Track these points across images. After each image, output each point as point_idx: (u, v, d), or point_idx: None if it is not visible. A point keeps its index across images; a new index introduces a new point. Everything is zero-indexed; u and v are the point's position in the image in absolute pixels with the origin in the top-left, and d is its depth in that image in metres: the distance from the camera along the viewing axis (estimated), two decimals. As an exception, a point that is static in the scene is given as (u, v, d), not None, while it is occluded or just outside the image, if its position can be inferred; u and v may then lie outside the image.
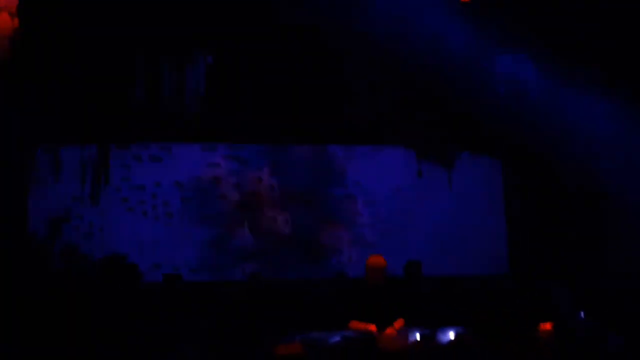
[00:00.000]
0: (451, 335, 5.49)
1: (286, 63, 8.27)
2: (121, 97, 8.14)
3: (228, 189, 8.71)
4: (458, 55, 7.03)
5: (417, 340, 5.51)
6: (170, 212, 8.51)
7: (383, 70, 8.20)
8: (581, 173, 8.69)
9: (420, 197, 9.12)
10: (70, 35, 7.70)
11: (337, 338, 5.32)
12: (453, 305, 6.86)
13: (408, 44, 7.23)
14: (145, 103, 7.78)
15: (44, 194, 8.26)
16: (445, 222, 9.08)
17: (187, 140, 8.60)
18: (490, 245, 9.07)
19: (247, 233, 8.66)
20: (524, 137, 8.64)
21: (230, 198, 8.70)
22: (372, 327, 5.67)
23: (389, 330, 5.61)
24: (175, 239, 8.44)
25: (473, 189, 9.19)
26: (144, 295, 7.24)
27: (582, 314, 5.30)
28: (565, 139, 8.47)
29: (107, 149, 8.52)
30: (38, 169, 8.32)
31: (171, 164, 8.61)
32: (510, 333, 5.52)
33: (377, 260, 6.16)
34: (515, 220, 9.12)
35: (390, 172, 9.12)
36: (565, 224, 8.83)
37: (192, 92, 7.53)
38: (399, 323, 5.76)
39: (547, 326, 5.49)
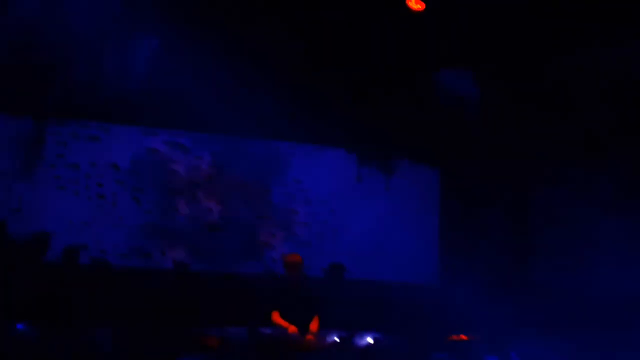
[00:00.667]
0: (368, 339, 5.55)
1: (237, 52, 8.18)
2: (63, 72, 7.95)
3: (165, 175, 8.60)
4: (403, 66, 7.10)
5: (334, 343, 5.55)
6: (102, 193, 8.35)
7: (331, 71, 8.22)
8: (513, 187, 8.92)
9: (357, 200, 9.19)
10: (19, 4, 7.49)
11: (256, 335, 5.33)
12: (376, 311, 6.90)
13: (355, 48, 7.27)
14: (88, 81, 7.59)
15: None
16: (380, 228, 9.16)
17: (127, 122, 8.47)
18: (421, 254, 9.19)
19: (181, 222, 8.57)
20: (462, 148, 8.80)
21: (167, 185, 8.59)
22: (293, 329, 5.71)
23: (308, 337, 5.65)
24: (106, 221, 8.29)
25: (410, 197, 9.30)
26: (69, 276, 7.07)
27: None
28: (500, 153, 8.66)
29: (44, 123, 8.31)
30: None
31: (109, 145, 8.45)
32: (426, 341, 5.62)
33: (293, 257, 6.30)
34: (449, 230, 9.26)
35: (330, 174, 9.15)
36: (496, 236, 8.98)
37: (136, 75, 7.40)
38: (314, 325, 5.82)
39: (462, 337, 5.60)
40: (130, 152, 8.51)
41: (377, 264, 9.02)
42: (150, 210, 8.47)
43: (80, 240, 8.09)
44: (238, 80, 8.27)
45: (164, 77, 7.94)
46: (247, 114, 8.50)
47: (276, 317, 5.86)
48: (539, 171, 8.59)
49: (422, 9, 6.67)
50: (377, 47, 7.81)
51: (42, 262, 6.37)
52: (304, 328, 5.74)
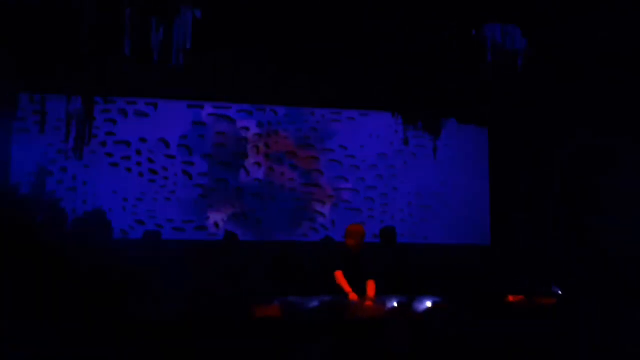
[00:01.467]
0: (428, 304, 5.56)
1: (276, 21, 8.14)
2: (109, 50, 8.01)
3: (213, 148, 8.68)
4: (447, 23, 6.95)
5: (394, 308, 5.57)
6: (154, 169, 8.48)
7: (374, 36, 8.10)
8: (571, 147, 8.74)
9: (405, 163, 9.14)
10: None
11: (315, 303, 5.37)
12: (432, 274, 6.92)
13: (399, 12, 7.15)
14: (133, 58, 7.65)
15: (28, 145, 8.21)
16: (429, 190, 9.12)
17: (173, 97, 8.54)
18: (473, 215, 9.13)
19: (232, 192, 8.66)
20: (511, 106, 8.64)
21: (216, 157, 8.67)
22: (354, 296, 5.77)
23: (367, 303, 5.70)
24: (159, 196, 8.43)
25: (458, 157, 9.20)
26: (123, 251, 7.25)
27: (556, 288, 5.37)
28: (550, 109, 8.49)
29: (92, 101, 8.43)
30: (22, 118, 8.25)
31: (157, 121, 8.56)
32: (485, 304, 5.61)
33: (356, 227, 6.31)
34: (500, 190, 9.16)
35: (376, 138, 9.11)
36: (550, 197, 8.85)
37: (179, 47, 7.42)
38: (371, 291, 5.87)
39: (518, 298, 5.58)
40: (178, 127, 8.60)
41: (428, 227, 9.01)
42: (201, 183, 8.58)
43: (135, 216, 8.31)
44: (279, 49, 8.24)
45: (207, 50, 7.96)
46: (290, 82, 8.51)
47: (340, 276, 5.94)
48: (594, 126, 8.39)
49: None
50: (420, 4, 7.66)
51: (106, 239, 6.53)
52: (362, 295, 5.79)
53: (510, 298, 6.01)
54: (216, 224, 8.52)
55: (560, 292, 5.29)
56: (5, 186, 7.97)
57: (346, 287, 5.88)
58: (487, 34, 6.39)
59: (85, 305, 5.32)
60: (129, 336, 4.90)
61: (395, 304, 5.61)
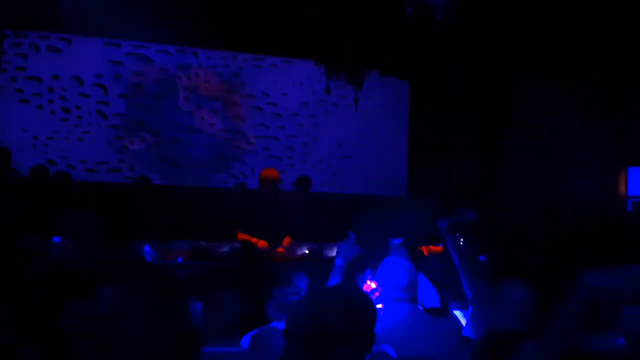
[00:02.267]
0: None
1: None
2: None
3: (130, 89, 8.41)
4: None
5: (304, 254, 5.61)
6: (67, 107, 8.17)
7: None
8: (485, 97, 8.91)
9: (326, 113, 9.13)
10: None
11: (225, 249, 5.35)
12: (346, 223, 6.96)
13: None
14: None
15: None
16: (350, 141, 9.17)
17: (89, 34, 8.20)
18: (390, 166, 9.25)
19: (147, 137, 8.46)
20: (432, 59, 8.70)
21: (132, 97, 8.42)
22: (262, 243, 5.68)
23: (279, 249, 5.66)
24: (72, 136, 8.15)
25: (379, 109, 9.27)
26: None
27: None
28: (471, 62, 8.60)
29: (2, 34, 8.00)
30: None
31: (71, 57, 8.21)
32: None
33: (270, 172, 6.13)
34: (418, 142, 9.27)
35: (298, 87, 9.05)
36: (467, 148, 9.02)
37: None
38: (287, 240, 5.81)
39: (437, 249, 5.68)
40: (93, 65, 8.28)
41: (346, 177, 9.09)
42: (117, 124, 8.33)
43: (46, 156, 8.01)
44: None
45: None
46: (212, 25, 8.27)
47: (241, 235, 5.79)
48: (513, 78, 8.58)
49: None
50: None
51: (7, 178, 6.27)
52: (277, 242, 5.75)
53: (424, 249, 6.11)
54: (131, 167, 8.32)
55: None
56: None
57: (251, 238, 5.74)
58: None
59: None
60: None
61: (307, 251, 5.64)
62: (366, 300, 2.08)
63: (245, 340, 3.02)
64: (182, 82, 8.62)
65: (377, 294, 3.28)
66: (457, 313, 3.36)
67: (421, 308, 3.16)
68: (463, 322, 3.21)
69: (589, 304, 1.83)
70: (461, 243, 4.12)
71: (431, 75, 8.98)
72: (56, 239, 4.60)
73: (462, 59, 8.49)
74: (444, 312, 3.25)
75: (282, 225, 5.82)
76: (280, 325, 2.57)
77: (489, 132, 9.01)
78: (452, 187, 8.73)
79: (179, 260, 5.42)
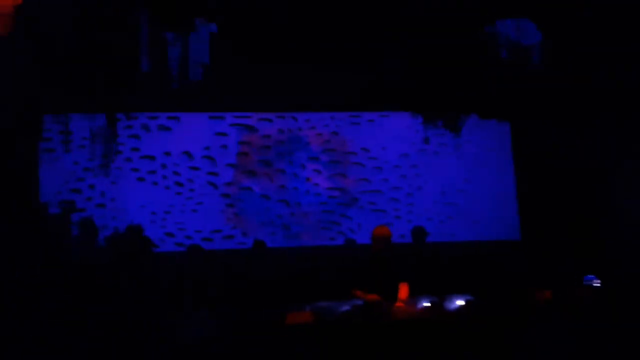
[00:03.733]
0: (459, 302, 5.55)
1: (291, 29, 8.18)
2: (127, 67, 8.12)
3: (236, 157, 8.76)
4: (460, 19, 6.93)
5: (425, 309, 5.57)
6: (180, 181, 8.59)
7: (388, 35, 8.12)
8: (592, 139, 8.68)
9: (427, 162, 9.14)
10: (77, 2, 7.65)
11: (346, 307, 5.40)
12: (462, 273, 6.91)
13: (411, 8, 7.15)
14: (152, 73, 7.75)
15: (54, 165, 8.36)
16: (454, 188, 9.12)
17: (194, 109, 8.65)
18: (500, 210, 9.10)
19: (257, 200, 8.73)
20: (530, 99, 8.60)
21: (239, 166, 8.75)
22: (374, 297, 5.69)
23: (398, 304, 5.67)
24: (186, 208, 8.53)
25: (481, 153, 9.19)
26: (160, 265, 7.34)
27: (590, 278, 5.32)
28: (570, 101, 8.44)
29: (115, 118, 8.56)
30: (48, 138, 8.39)
31: (180, 134, 8.66)
32: (515, 301, 5.59)
33: (382, 230, 6.20)
34: (526, 185, 9.11)
35: (397, 139, 9.13)
36: (576, 189, 8.78)
37: (196, 62, 7.51)
38: (404, 293, 5.81)
39: (546, 294, 5.54)
40: (200, 138, 8.70)
41: (454, 225, 9.00)
42: (227, 193, 8.66)
43: (165, 229, 8.41)
44: (295, 55, 8.29)
45: (223, 62, 8.03)
46: (308, 87, 8.54)
47: (357, 292, 5.84)
48: (613, 117, 8.34)
49: None
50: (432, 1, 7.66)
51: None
52: (393, 298, 5.77)
53: (539, 294, 5.93)
54: (244, 233, 8.59)
55: (595, 283, 5.23)
56: (36, 206, 8.11)
57: (363, 295, 5.77)
58: (500, 30, 6.36)
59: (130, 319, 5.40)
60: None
61: (428, 304, 5.60)
62: None
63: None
64: (285, 146, 8.89)
65: None
66: None
67: None
68: None
69: None
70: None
71: (529, 115, 8.87)
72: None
73: (558, 98, 8.36)
74: None
75: (399, 281, 5.84)
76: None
77: (601, 169, 8.69)
78: (563, 229, 8.51)
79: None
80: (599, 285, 5.23)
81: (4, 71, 6.99)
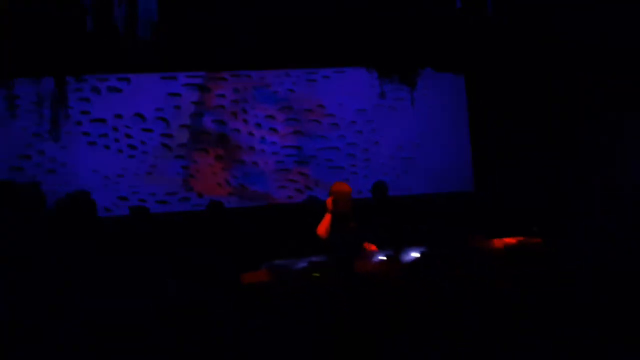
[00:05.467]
0: (414, 254, 5.57)
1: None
2: (72, 29, 7.86)
3: (190, 118, 8.61)
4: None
5: (382, 262, 5.58)
6: (132, 144, 8.42)
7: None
8: (545, 88, 8.71)
9: (383, 117, 9.12)
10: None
11: (303, 264, 5.38)
12: (418, 225, 6.94)
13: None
14: (98, 34, 7.52)
15: (1, 131, 8.12)
16: (410, 142, 9.13)
17: (145, 70, 8.44)
18: (455, 163, 9.16)
19: (213, 161, 8.63)
20: (486, 51, 8.59)
21: (193, 127, 8.61)
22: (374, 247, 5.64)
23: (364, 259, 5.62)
24: (140, 171, 8.39)
25: (437, 107, 9.19)
26: (111, 229, 7.23)
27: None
28: (528, 52, 8.44)
29: (64, 81, 8.32)
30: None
31: (131, 95, 8.46)
32: (473, 250, 5.63)
33: (342, 186, 6.02)
34: (480, 137, 9.16)
35: (353, 94, 9.07)
36: (532, 139, 8.83)
37: (144, 21, 7.29)
38: (371, 247, 5.77)
39: (511, 241, 5.59)
40: (153, 100, 8.51)
41: (411, 179, 9.04)
42: (182, 154, 8.54)
43: (118, 193, 8.27)
44: (247, 11, 8.13)
45: (174, 20, 7.83)
46: (261, 45, 8.40)
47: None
48: (568, 68, 8.36)
49: None
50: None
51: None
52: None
53: (497, 242, 6.00)
54: (199, 194, 8.50)
55: (538, 232, 5.32)
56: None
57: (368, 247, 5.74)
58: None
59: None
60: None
61: (383, 257, 5.61)
62: None
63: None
64: (240, 104, 8.76)
65: None
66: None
67: None
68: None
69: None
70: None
71: (486, 68, 8.87)
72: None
73: (517, 50, 8.36)
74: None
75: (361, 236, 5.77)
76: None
77: (558, 121, 8.75)
78: (516, 180, 8.59)
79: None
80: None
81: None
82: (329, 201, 5.82)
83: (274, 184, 8.74)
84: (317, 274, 5.16)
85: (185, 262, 5.89)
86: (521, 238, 6.00)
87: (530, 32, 8.27)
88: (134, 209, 7.65)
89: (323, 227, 5.77)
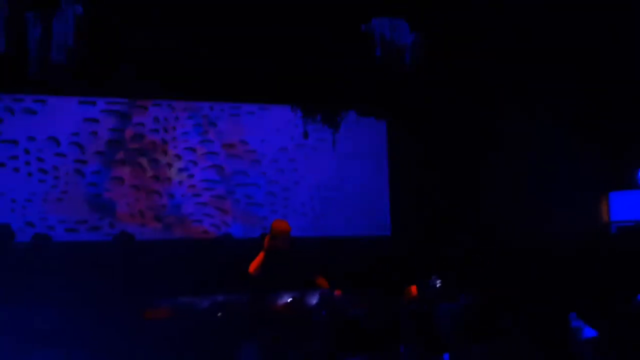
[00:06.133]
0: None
1: (165, 11, 7.88)
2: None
3: (106, 145, 8.38)
4: (338, 17, 6.95)
5: (287, 303, 5.52)
6: (44, 168, 8.12)
7: (270, 29, 8.02)
8: (463, 135, 8.94)
9: (305, 157, 9.12)
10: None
11: (206, 303, 5.26)
12: (335, 267, 6.91)
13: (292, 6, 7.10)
14: (13, 55, 7.26)
15: None
16: (330, 183, 9.15)
17: (63, 93, 8.20)
18: (373, 206, 9.22)
19: (128, 190, 8.40)
20: (407, 98, 8.76)
21: (109, 154, 8.38)
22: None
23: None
24: (50, 196, 8.08)
25: (358, 150, 9.27)
26: (13, 255, 6.90)
27: (436, 279, 5.47)
28: (446, 99, 8.66)
29: (-24, 100, 8.00)
30: None
31: (46, 118, 8.18)
32: (385, 296, 5.63)
33: (282, 224, 5.98)
34: (399, 182, 9.28)
35: (276, 132, 9.05)
36: (448, 185, 9.02)
37: (59, 44, 7.08)
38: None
39: (413, 289, 5.61)
40: (69, 124, 8.26)
41: (329, 220, 9.04)
42: (95, 182, 8.28)
43: (25, 218, 7.94)
44: (174, 41, 8.03)
45: (95, 45, 7.65)
46: (184, 76, 8.30)
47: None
48: (492, 109, 8.62)
49: None
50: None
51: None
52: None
53: (413, 289, 6.01)
54: (111, 224, 8.24)
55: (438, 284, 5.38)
56: None
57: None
58: (375, 28, 6.40)
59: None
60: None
61: (290, 299, 5.55)
62: None
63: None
64: (160, 135, 8.60)
65: None
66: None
67: None
68: None
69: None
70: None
71: (406, 113, 9.03)
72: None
73: (436, 95, 8.56)
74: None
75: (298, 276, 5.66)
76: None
77: (471, 163, 8.99)
78: (430, 227, 8.74)
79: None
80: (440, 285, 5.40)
81: None
82: (267, 239, 5.85)
83: (189, 218, 8.57)
84: (219, 314, 5.05)
85: (85, 293, 5.67)
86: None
87: (447, 81, 8.49)
88: (36, 236, 7.33)
89: (254, 265, 5.80)
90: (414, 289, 5.82)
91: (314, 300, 5.53)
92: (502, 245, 8.14)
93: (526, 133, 8.66)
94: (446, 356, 3.11)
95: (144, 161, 8.50)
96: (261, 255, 5.79)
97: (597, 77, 8.31)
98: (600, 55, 8.09)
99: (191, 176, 8.66)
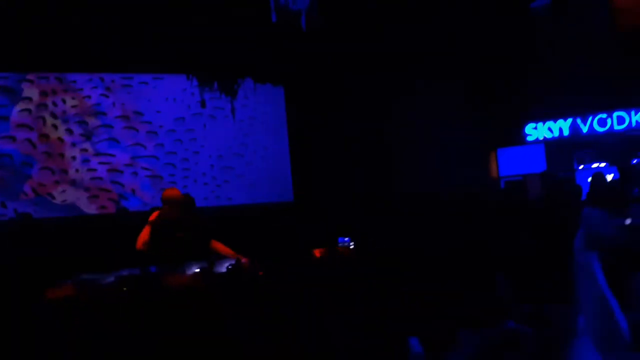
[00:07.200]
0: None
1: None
2: None
3: (-8, 122, 7.98)
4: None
5: (195, 274, 5.48)
6: None
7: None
8: (360, 95, 9.07)
9: (204, 126, 9.01)
10: None
11: (111, 279, 5.15)
12: (239, 236, 6.90)
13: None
14: None
15: None
16: (230, 151, 9.10)
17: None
18: (275, 173, 9.25)
19: (19, 168, 8.03)
20: (303, 63, 8.78)
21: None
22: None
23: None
24: None
25: (257, 117, 9.25)
26: None
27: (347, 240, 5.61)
28: (341, 63, 8.75)
29: None
30: None
31: None
32: (290, 260, 5.70)
33: (172, 192, 5.80)
34: (300, 147, 9.33)
35: (172, 102, 8.88)
36: (349, 148, 9.15)
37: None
38: (228, 251, 5.64)
39: (316, 253, 5.72)
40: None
41: (232, 189, 9.01)
42: (-18, 160, 7.88)
43: None
44: (63, 12, 7.69)
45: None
46: (74, 46, 7.97)
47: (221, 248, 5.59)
48: (385, 76, 8.77)
49: None
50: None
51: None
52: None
53: (316, 252, 6.11)
54: (3, 204, 7.87)
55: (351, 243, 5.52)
56: None
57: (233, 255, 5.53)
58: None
59: None
60: None
61: (197, 269, 5.51)
62: None
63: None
64: (49, 109, 8.25)
65: None
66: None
67: None
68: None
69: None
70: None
71: (303, 78, 9.06)
72: None
73: (331, 61, 8.64)
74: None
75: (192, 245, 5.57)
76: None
77: (369, 130, 9.16)
78: (333, 189, 8.88)
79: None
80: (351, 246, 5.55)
81: None
82: (155, 213, 5.65)
83: (85, 194, 8.30)
84: (125, 288, 4.96)
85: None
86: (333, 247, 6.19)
87: (343, 45, 8.56)
88: None
89: (141, 240, 5.56)
90: (317, 252, 5.93)
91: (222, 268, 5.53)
92: (403, 203, 8.38)
93: (423, 98, 8.90)
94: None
95: (34, 136, 8.13)
96: (146, 229, 5.52)
97: (484, 50, 8.63)
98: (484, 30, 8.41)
99: (84, 150, 8.37)
